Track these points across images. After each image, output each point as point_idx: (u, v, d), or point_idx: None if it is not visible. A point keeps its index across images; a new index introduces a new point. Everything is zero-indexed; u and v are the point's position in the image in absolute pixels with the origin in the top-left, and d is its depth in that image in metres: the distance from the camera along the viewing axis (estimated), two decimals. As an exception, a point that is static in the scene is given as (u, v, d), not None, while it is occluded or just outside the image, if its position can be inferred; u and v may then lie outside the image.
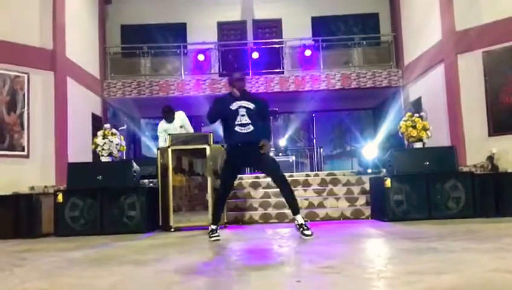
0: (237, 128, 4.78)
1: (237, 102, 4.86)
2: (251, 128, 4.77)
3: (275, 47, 13.35)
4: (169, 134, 6.83)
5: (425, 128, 6.93)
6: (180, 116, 7.59)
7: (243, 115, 4.79)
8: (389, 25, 13.45)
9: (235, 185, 6.07)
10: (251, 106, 4.86)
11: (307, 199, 7.53)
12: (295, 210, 4.80)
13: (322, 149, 13.68)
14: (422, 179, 6.27)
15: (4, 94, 8.55)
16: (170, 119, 7.50)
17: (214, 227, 4.94)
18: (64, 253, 4.31)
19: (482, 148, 8.99)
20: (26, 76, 8.89)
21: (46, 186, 8.12)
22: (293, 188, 7.92)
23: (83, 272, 3.25)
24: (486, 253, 3.24)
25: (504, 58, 8.94)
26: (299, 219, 4.71)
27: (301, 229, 4.65)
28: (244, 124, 4.78)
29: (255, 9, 14.19)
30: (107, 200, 6.22)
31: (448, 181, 6.28)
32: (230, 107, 4.84)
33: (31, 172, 8.64)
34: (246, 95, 4.97)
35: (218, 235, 4.85)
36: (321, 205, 7.43)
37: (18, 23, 8.90)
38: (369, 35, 13.52)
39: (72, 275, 3.15)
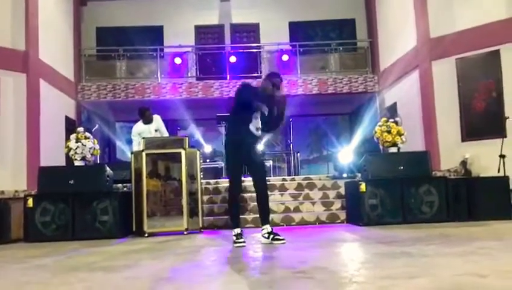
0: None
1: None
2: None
3: (253, 51, 13.36)
4: (143, 138, 6.73)
5: (400, 134, 7.00)
6: (156, 120, 7.51)
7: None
8: (366, 30, 13.61)
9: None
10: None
11: (283, 204, 7.52)
12: (267, 219, 4.78)
13: (299, 154, 13.70)
14: (397, 184, 6.33)
15: (-26, 96, 8.33)
16: (147, 120, 7.40)
17: (238, 231, 4.67)
18: (33, 259, 4.19)
19: (455, 153, 9.15)
20: (-3, 78, 8.68)
21: (16, 191, 7.92)
22: (270, 193, 7.96)
23: (51, 279, 3.15)
24: (458, 257, 3.26)
25: (477, 65, 9.12)
26: (269, 227, 4.73)
27: (272, 236, 4.64)
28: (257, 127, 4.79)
29: (232, 13, 14.19)
30: (79, 205, 6.09)
31: (422, 186, 6.35)
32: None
33: (1, 176, 8.42)
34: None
35: (243, 241, 4.56)
36: (297, 210, 7.42)
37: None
38: (346, 40, 13.64)
39: (40, 282, 3.05)
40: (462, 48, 9.29)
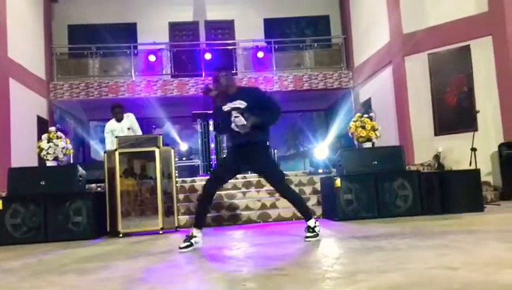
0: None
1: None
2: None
3: (228, 48, 13.31)
4: (116, 136, 6.63)
5: (374, 129, 7.06)
6: (129, 118, 7.41)
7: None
8: (340, 27, 13.70)
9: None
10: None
11: (259, 200, 7.50)
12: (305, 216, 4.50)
13: (275, 150, 13.73)
14: (371, 179, 6.38)
15: None
16: (117, 117, 7.29)
17: (194, 232, 4.25)
18: (1, 263, 4.08)
19: (428, 147, 9.30)
20: (-37, 77, 8.44)
21: (-14, 193, 7.71)
22: (246, 190, 7.96)
23: (20, 283, 3.07)
24: (431, 250, 3.30)
25: (448, 59, 9.28)
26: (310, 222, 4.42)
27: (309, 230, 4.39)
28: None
29: (207, 10, 14.10)
30: (51, 206, 5.96)
31: (396, 180, 6.41)
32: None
33: (-30, 178, 8.18)
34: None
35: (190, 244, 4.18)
36: (273, 206, 7.42)
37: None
38: (320, 37, 13.70)
39: (7, 287, 2.96)
40: (434, 43, 9.44)
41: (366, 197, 6.34)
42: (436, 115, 9.46)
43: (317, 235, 4.35)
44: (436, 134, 9.43)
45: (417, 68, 9.78)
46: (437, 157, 9.06)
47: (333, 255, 3.46)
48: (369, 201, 6.33)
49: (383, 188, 6.37)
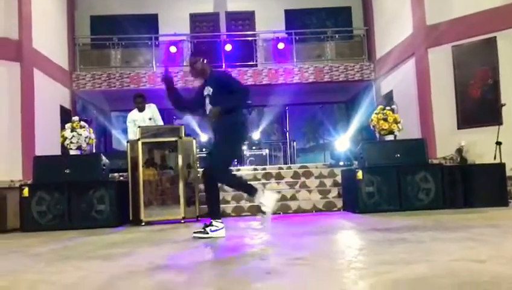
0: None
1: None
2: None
3: (248, 40, 13.28)
4: (139, 126, 6.70)
5: (396, 121, 7.00)
6: (151, 108, 7.47)
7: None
8: (362, 18, 13.54)
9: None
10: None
11: (279, 192, 7.50)
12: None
13: (295, 142, 13.71)
14: (393, 171, 6.33)
15: (-33, 86, 8.25)
16: (139, 107, 7.36)
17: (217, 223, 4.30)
18: (29, 248, 4.18)
19: (451, 140, 9.15)
20: (-10, 67, 8.60)
21: (12, 181, 7.88)
22: (266, 181, 7.97)
23: (47, 267, 3.14)
24: (455, 243, 3.27)
25: (473, 52, 9.10)
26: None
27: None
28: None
29: (227, 1, 14.08)
30: (75, 194, 6.07)
31: (419, 173, 6.35)
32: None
33: (-4, 165, 8.38)
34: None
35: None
36: (294, 198, 7.43)
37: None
38: (342, 28, 13.58)
39: (36, 271, 3.04)
40: (458, 35, 9.26)
41: (387, 190, 6.30)
42: (459, 108, 9.31)
43: (208, 237, 4.20)
44: (459, 127, 9.28)
45: (440, 60, 9.62)
46: (460, 151, 8.91)
47: (356, 247, 3.45)
48: (390, 194, 6.29)
49: (405, 181, 6.32)
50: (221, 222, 4.34)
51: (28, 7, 9.45)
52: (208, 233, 4.21)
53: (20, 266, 3.23)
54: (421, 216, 5.40)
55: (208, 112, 4.33)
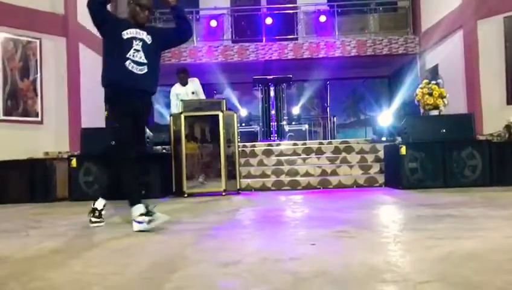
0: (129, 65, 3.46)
1: (132, 29, 3.52)
2: (145, 70, 3.51)
3: (289, 13, 13.08)
4: (181, 100, 6.76)
5: (442, 96, 6.79)
6: (194, 82, 7.51)
7: (137, 50, 3.49)
8: (406, -11, 13.06)
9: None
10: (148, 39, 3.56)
11: (320, 167, 7.48)
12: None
13: (335, 118, 13.56)
14: (438, 147, 6.17)
15: (17, 60, 8.51)
16: (185, 81, 7.40)
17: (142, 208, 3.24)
18: (79, 216, 4.34)
19: (499, 117, 8.79)
20: (38, 41, 8.82)
21: (60, 152, 8.17)
22: (306, 156, 7.93)
23: (98, 234, 3.26)
24: (506, 220, 3.18)
25: (526, 23, 8.65)
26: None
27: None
28: (138, 62, 3.49)
29: (269, -27, 13.86)
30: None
31: (465, 149, 6.17)
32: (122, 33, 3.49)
33: (45, 138, 8.67)
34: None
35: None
36: (334, 173, 7.38)
37: (28, -13, 8.79)
38: (386, 0, 13.15)
39: (87, 237, 3.16)
40: (511, 5, 8.80)
41: (432, 166, 6.16)
42: (509, 83, 8.90)
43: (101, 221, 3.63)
44: (508, 103, 8.91)
45: (491, 33, 9.19)
46: (509, 127, 8.56)
47: (401, 221, 3.41)
48: (435, 170, 6.15)
49: (450, 157, 6.15)
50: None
51: (72, -18, 9.59)
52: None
53: (72, 232, 3.37)
54: (467, 193, 5.26)
55: (135, 59, 3.47)
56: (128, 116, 3.52)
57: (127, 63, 3.46)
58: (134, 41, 3.50)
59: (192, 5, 13.13)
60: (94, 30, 9.92)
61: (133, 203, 3.29)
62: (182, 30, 3.82)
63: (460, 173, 6.15)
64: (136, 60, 3.47)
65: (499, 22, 9.00)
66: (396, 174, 6.30)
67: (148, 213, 3.21)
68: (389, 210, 4.25)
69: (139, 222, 3.21)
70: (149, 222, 3.18)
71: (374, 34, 12.55)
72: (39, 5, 8.91)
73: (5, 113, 8.20)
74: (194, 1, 13.40)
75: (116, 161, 3.57)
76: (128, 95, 3.52)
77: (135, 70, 3.48)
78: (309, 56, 12.17)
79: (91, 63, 10.48)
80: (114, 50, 3.54)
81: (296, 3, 13.26)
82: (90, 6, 3.52)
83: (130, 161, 3.47)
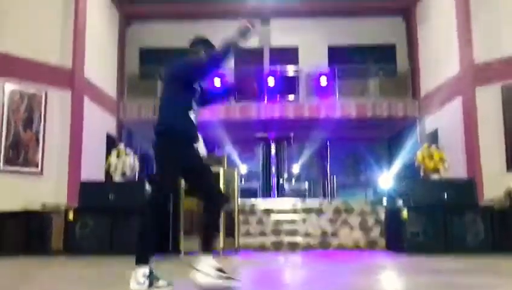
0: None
1: None
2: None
3: (291, 75, 13.40)
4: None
5: (442, 160, 6.82)
6: (195, 138, 7.56)
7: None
8: (406, 55, 13.43)
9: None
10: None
11: (320, 227, 7.39)
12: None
13: (335, 178, 13.53)
14: (440, 211, 6.12)
15: (21, 111, 8.62)
16: None
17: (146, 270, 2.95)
18: (72, 270, 4.23)
19: (499, 183, 8.78)
20: (44, 94, 8.97)
21: (57, 205, 8.09)
22: (306, 216, 7.85)
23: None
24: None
25: (524, 92, 8.83)
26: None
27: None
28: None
29: (272, 36, 14.29)
30: (117, 219, 6.16)
31: (467, 214, 6.12)
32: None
33: (44, 189, 8.62)
34: None
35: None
36: (334, 234, 7.29)
37: (39, 41, 9.04)
38: (386, 65, 13.50)
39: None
40: (509, 74, 9.02)
41: (433, 230, 6.08)
42: (508, 150, 8.97)
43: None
44: (508, 169, 8.92)
45: (489, 100, 9.36)
46: (509, 194, 8.55)
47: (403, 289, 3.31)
48: (436, 234, 6.07)
49: (451, 222, 6.09)
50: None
51: (82, 38, 9.89)
52: None
53: (63, 287, 3.27)
54: (469, 259, 5.16)
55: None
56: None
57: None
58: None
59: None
60: (100, 84, 10.07)
61: (138, 262, 2.98)
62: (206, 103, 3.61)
63: (462, 239, 6.06)
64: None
65: (497, 90, 9.19)
66: (398, 237, 6.21)
67: (151, 276, 2.95)
68: (391, 276, 4.15)
69: (139, 283, 2.93)
70: (150, 286, 2.93)
71: (374, 97, 12.78)
72: (48, 58, 9.14)
73: (6, 163, 8.21)
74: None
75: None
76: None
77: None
78: (309, 116, 12.34)
79: (95, 116, 10.62)
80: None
81: (297, 66, 13.60)
82: (220, 64, 3.37)
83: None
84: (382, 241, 6.93)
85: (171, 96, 3.34)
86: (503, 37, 9.23)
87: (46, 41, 9.25)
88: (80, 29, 9.78)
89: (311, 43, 13.77)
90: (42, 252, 6.05)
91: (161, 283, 3.01)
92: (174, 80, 3.36)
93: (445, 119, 10.86)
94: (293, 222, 7.69)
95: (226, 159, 6.54)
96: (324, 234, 7.27)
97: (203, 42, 3.65)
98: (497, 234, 6.09)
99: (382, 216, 7.39)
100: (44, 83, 9.00)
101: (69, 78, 9.52)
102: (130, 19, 13.45)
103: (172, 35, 13.48)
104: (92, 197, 6.34)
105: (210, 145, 11.42)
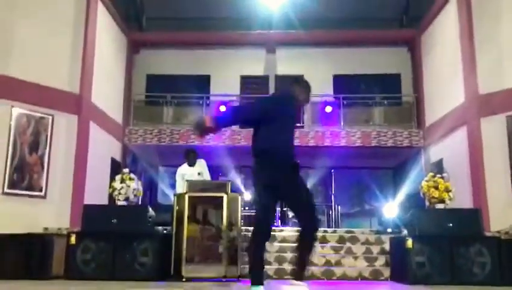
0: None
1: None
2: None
3: (296, 102, 13.46)
4: (187, 180, 6.78)
5: (447, 190, 6.76)
6: (201, 163, 7.59)
7: None
8: (411, 85, 13.52)
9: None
10: None
11: (324, 256, 7.30)
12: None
13: (339, 206, 13.45)
14: (446, 242, 6.02)
15: (28, 134, 8.69)
16: (191, 162, 7.48)
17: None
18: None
19: (506, 213, 8.73)
20: (50, 118, 9.06)
21: (59, 228, 8.06)
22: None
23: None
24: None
25: (529, 122, 8.83)
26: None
27: None
28: None
29: (278, 65, 14.46)
30: (120, 244, 6.10)
31: (473, 245, 6.01)
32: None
33: (47, 212, 8.62)
34: None
35: None
36: (338, 264, 7.18)
37: (48, 67, 9.19)
38: (391, 95, 13.58)
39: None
40: (513, 105, 9.06)
41: (439, 261, 5.97)
42: (515, 180, 8.93)
43: None
44: (515, 200, 8.86)
45: (494, 130, 9.36)
46: (516, 224, 8.45)
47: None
48: (442, 265, 5.96)
49: (458, 253, 5.98)
50: None
51: (91, 64, 10.05)
52: None
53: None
54: (476, 292, 5.05)
55: None
56: None
57: None
58: None
59: (204, 91, 13.58)
60: (106, 109, 10.17)
61: (253, 284, 3.40)
62: None
63: (469, 270, 5.94)
64: None
65: (502, 121, 9.21)
66: (403, 268, 6.10)
67: None
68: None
69: None
70: None
71: (379, 126, 12.82)
72: (56, 83, 9.27)
73: (9, 186, 8.22)
74: (205, 87, 13.85)
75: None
76: None
77: None
78: (314, 144, 12.36)
79: (101, 141, 10.69)
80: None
81: (303, 93, 13.67)
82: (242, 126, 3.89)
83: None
84: (387, 272, 6.81)
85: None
86: (506, 69, 9.30)
87: (55, 67, 9.42)
88: (88, 56, 9.95)
89: (316, 71, 13.89)
90: (42, 276, 5.98)
91: None
92: None
93: (450, 148, 10.85)
94: (295, 250, 7.58)
95: (229, 185, 6.50)
96: (328, 263, 7.16)
97: None
98: (506, 266, 5.98)
99: (387, 246, 7.30)
100: (52, 107, 9.12)
101: (77, 103, 9.64)
102: (138, 46, 13.67)
103: (179, 62, 13.70)
104: (95, 220, 6.29)
105: (214, 172, 11.42)
